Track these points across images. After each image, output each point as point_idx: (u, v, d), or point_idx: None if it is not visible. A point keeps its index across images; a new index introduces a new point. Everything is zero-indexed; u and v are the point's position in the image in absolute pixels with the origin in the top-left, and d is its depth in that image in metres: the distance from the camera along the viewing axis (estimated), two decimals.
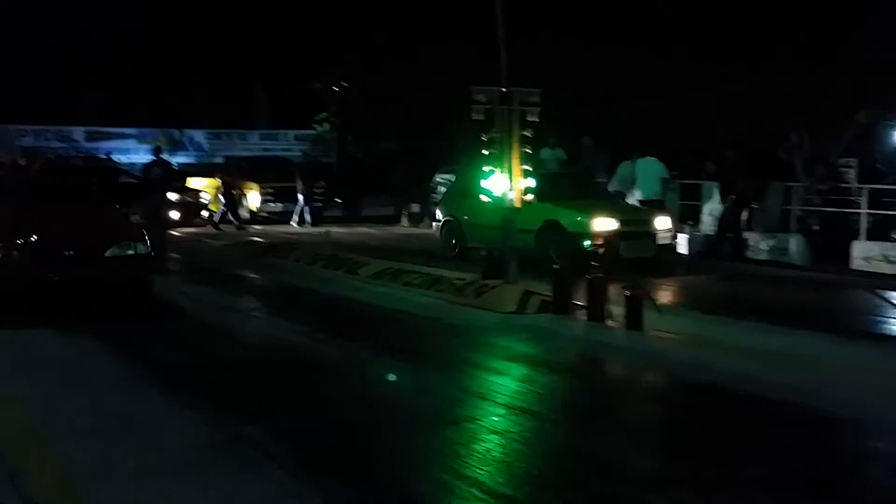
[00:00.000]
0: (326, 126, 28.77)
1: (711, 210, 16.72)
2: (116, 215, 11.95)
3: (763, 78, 15.46)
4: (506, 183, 10.72)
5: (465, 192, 15.43)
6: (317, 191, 23.76)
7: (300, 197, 23.09)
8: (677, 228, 15.46)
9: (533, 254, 13.05)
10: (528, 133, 10.75)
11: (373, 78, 24.41)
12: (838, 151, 16.61)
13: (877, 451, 5.57)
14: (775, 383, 6.82)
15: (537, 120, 10.75)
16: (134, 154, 28.95)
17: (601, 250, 9.99)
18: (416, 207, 25.03)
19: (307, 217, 22.96)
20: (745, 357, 7.64)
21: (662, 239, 13.96)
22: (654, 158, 16.20)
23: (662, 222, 14.10)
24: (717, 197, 16.50)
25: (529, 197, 10.94)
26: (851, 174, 16.07)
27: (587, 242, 12.24)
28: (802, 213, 15.71)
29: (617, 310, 9.10)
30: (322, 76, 26.75)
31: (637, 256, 12.76)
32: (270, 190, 24.56)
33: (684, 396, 6.89)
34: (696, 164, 17.62)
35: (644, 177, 16.15)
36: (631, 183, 16.54)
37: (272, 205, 24.34)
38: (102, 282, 9.74)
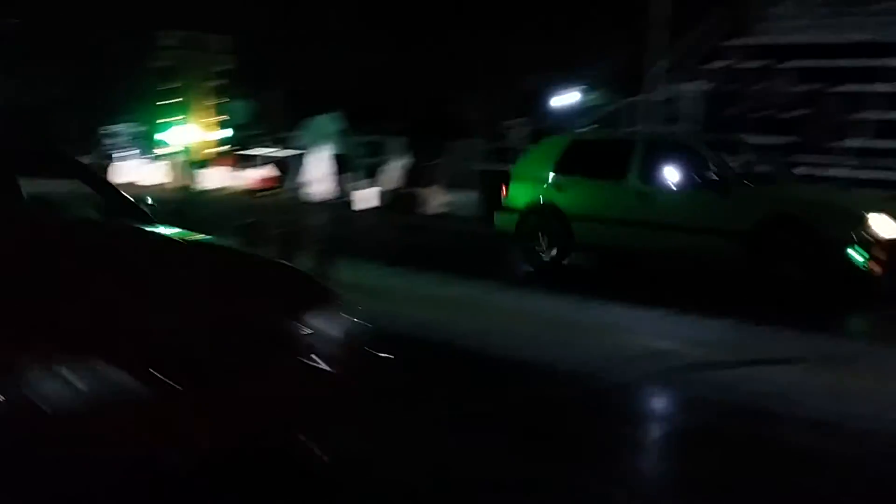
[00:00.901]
0: None
1: (395, 166, 17.34)
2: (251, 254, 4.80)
3: (448, 44, 16.30)
4: (193, 134, 10.41)
5: (566, 166, 10.29)
6: None
7: None
8: (359, 185, 14.37)
9: (734, 267, 8.97)
10: (221, 82, 10.48)
11: (40, 15, 22.33)
12: (509, 113, 17.96)
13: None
14: (447, 329, 7.37)
15: (231, 67, 10.53)
16: None
17: (878, 269, 7.51)
18: (85, 159, 23.51)
19: None
20: (421, 305, 8.19)
21: None
22: (336, 114, 16.39)
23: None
24: (402, 153, 17.16)
25: (226, 148, 10.63)
26: (520, 133, 17.43)
27: (859, 257, 8.17)
28: (481, 170, 16.78)
29: (307, 263, 9.21)
30: None
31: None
32: None
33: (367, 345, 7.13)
34: (384, 121, 18.22)
35: (327, 132, 16.38)
36: (326, 137, 16.71)
37: None
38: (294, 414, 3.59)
